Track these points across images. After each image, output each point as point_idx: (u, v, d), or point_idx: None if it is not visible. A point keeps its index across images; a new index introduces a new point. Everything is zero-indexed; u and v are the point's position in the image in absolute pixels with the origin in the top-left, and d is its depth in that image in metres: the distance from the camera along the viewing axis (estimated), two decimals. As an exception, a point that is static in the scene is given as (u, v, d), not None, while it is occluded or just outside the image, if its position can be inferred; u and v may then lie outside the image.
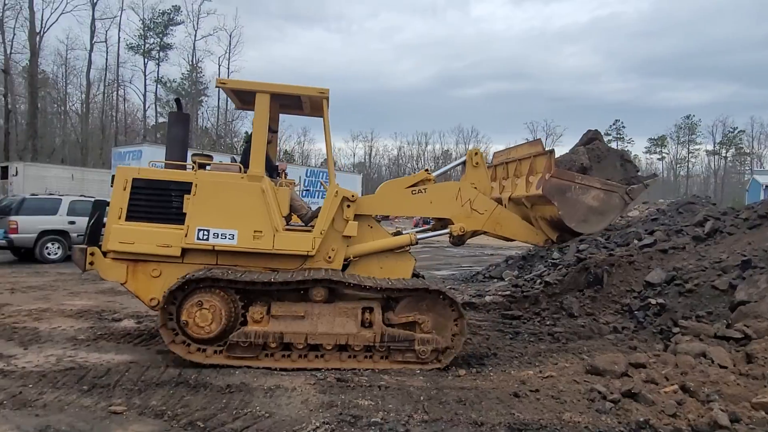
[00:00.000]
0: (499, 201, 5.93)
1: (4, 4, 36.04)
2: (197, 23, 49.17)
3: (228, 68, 51.16)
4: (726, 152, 69.33)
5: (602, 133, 6.41)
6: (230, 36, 51.75)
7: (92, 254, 5.02)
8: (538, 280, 9.05)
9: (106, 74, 45.14)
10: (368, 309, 4.89)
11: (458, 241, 5.79)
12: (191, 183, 4.95)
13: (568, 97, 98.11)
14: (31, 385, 4.12)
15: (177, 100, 6.32)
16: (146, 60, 48.31)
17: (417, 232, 5.88)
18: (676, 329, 5.54)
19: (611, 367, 4.52)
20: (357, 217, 5.29)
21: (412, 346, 4.83)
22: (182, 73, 51.02)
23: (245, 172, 5.09)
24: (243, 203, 4.95)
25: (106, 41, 44.21)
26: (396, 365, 4.84)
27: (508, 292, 8.74)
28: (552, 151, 5.47)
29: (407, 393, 4.18)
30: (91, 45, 42.19)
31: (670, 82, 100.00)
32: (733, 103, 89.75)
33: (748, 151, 68.37)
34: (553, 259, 10.16)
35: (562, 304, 7.37)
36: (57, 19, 43.77)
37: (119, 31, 45.58)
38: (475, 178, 5.66)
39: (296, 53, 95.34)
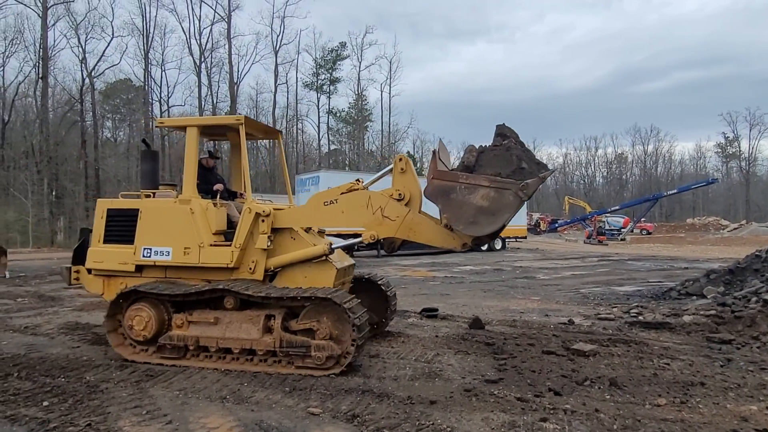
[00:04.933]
0: None
1: (211, 63, 43.68)
2: (361, 55, 53.41)
3: (389, 93, 54.30)
4: None
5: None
6: (390, 63, 54.81)
7: (77, 271, 6.18)
8: (754, 298, 7.61)
9: (287, 111, 51.41)
10: (272, 316, 5.19)
11: (389, 249, 5.78)
12: (138, 209, 5.83)
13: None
14: (246, 384, 4.78)
15: (144, 140, 7.20)
16: (319, 95, 53.78)
17: (332, 242, 5.86)
18: None
19: None
20: (278, 230, 5.67)
21: (309, 352, 5.00)
22: (349, 103, 55.61)
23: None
24: (175, 223, 5.68)
25: (286, 82, 50.46)
26: (298, 370, 5.05)
27: (713, 312, 7.51)
28: (435, 152, 5.02)
29: (597, 420, 3.84)
30: (275, 87, 48.49)
31: None
32: None
33: None
34: (772, 272, 8.47)
35: (789, 328, 6.09)
36: (249, 69, 51.33)
37: (296, 72, 51.79)
38: (401, 184, 5.41)
39: (459, 69, 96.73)
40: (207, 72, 43.47)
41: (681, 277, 12.83)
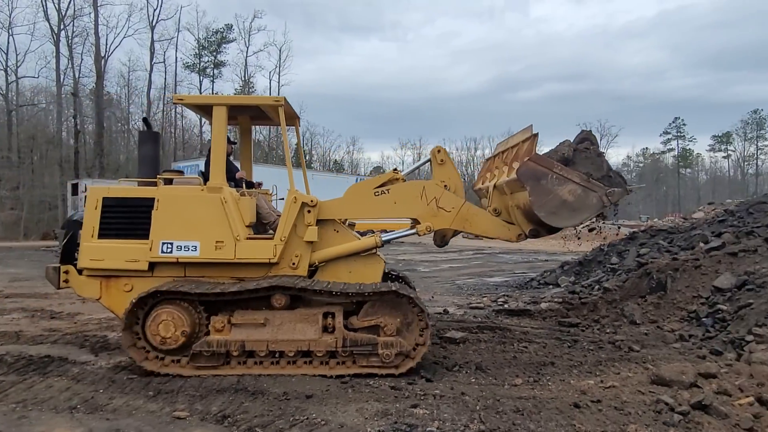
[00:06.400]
0: (486, 190, 5.89)
1: (73, 32, 38.90)
2: (248, 40, 51.09)
3: (278, 82, 52.79)
4: (801, 146, 64.66)
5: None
6: (280, 51, 53.31)
7: (66, 272, 5.19)
8: (597, 286, 8.72)
9: (165, 93, 47.60)
10: (330, 314, 4.87)
11: (440, 242, 5.80)
12: (154, 198, 5.05)
13: (630, 96, 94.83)
14: (101, 390, 4.36)
15: (145, 120, 6.52)
16: (201, 78, 50.56)
17: (383, 233, 5.68)
18: (749, 337, 5.17)
19: (679, 378, 4.27)
20: (321, 222, 5.25)
21: (376, 350, 4.76)
22: (235, 89, 53.05)
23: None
24: (204, 215, 5.01)
25: (164, 61, 46.64)
26: (363, 370, 4.80)
27: (564, 299, 8.46)
28: (536, 135, 5.26)
29: (462, 402, 4.11)
30: (151, 66, 44.64)
31: (746, 75, 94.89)
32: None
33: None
34: (612, 264, 9.76)
35: (622, 311, 7.07)
36: (120, 43, 46.64)
37: (176, 51, 48.25)
38: (444, 176, 5.46)
39: (352, 64, 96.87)
40: (68, 42, 38.62)
41: (542, 268, 14.25)
